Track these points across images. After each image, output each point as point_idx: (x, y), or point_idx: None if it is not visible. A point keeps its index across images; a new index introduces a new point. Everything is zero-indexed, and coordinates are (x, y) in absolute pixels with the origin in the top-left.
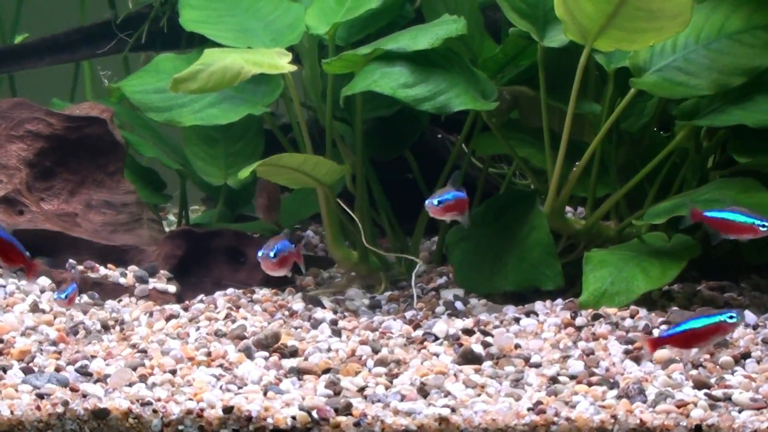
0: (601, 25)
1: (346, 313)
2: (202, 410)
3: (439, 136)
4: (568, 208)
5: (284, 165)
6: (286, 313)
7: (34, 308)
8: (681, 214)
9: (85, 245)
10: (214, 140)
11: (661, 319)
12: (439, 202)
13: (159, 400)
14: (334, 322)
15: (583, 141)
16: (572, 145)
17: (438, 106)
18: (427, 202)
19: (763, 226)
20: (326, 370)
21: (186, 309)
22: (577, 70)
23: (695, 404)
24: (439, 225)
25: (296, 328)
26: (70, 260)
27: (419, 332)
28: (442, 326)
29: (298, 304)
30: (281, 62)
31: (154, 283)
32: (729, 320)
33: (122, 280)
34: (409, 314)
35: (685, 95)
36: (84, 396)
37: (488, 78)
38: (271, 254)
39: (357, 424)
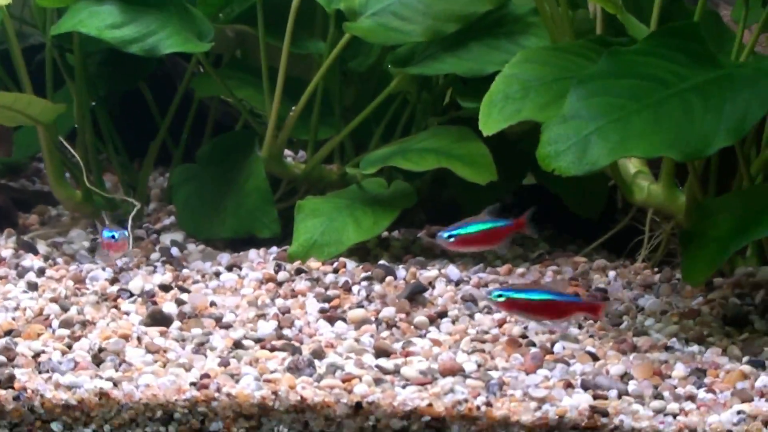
0: None
1: (59, 260)
2: None
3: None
4: (291, 153)
5: None
6: None
7: None
8: (394, 164)
9: None
10: None
11: (365, 274)
12: (450, 236)
13: None
14: (41, 271)
15: (307, 81)
16: (295, 86)
17: (147, 48)
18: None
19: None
20: (8, 332)
21: None
22: (291, 9)
23: (361, 379)
24: (173, 159)
25: None
26: None
27: (115, 288)
28: (138, 282)
29: (7, 250)
30: None
31: None
32: None
33: None
34: (121, 261)
35: (400, 41)
36: None
37: (206, 17)
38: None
39: (16, 398)
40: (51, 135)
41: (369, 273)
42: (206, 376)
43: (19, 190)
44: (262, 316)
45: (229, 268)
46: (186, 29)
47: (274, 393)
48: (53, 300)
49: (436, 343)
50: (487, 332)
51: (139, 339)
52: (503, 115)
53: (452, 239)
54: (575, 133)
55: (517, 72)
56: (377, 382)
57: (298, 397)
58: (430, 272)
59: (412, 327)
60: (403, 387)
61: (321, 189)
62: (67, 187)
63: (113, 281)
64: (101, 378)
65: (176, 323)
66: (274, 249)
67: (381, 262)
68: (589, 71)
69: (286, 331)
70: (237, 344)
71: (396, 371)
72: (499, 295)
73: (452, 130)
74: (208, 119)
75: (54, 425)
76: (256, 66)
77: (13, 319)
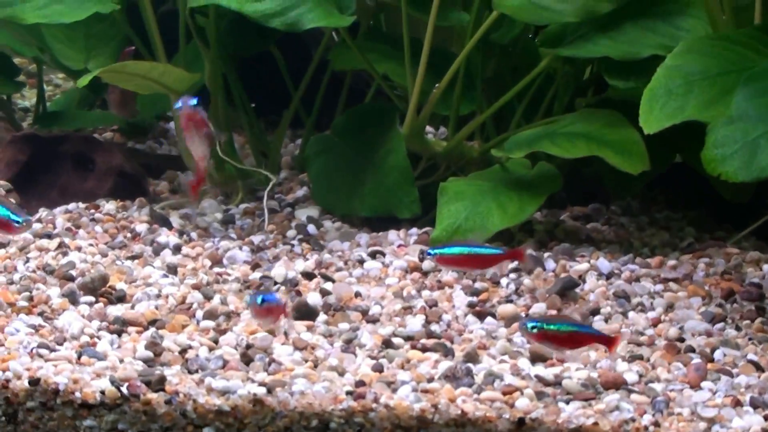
0: None
1: (193, 234)
2: (8, 381)
3: None
4: (431, 128)
5: (130, 72)
6: (129, 235)
7: None
8: (543, 149)
9: None
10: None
11: (512, 264)
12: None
13: None
14: (177, 248)
15: (447, 53)
16: (437, 59)
17: (289, 22)
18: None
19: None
20: (152, 322)
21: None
22: None
23: (522, 392)
24: (305, 126)
25: (134, 258)
26: None
27: (257, 275)
28: (281, 269)
29: (142, 225)
30: None
31: None
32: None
33: None
34: (257, 239)
35: (550, 21)
36: None
37: None
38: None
39: (168, 402)
40: None
41: (516, 264)
42: (362, 383)
43: (147, 154)
44: (409, 309)
45: (373, 255)
46: (327, 1)
47: (434, 405)
48: (195, 287)
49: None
50: (642, 333)
51: (285, 334)
52: (665, 113)
53: (434, 256)
54: (742, 136)
55: (679, 64)
56: (539, 395)
57: (459, 411)
58: (581, 265)
59: None
60: (567, 403)
61: (461, 167)
62: None
63: (254, 266)
64: (254, 382)
65: (322, 316)
66: (414, 230)
67: (528, 251)
68: (758, 69)
69: (434, 327)
70: (387, 342)
71: (557, 383)
72: (533, 327)
73: (602, 114)
74: (341, 87)
75: (206, 431)
76: (395, 36)
77: (156, 307)
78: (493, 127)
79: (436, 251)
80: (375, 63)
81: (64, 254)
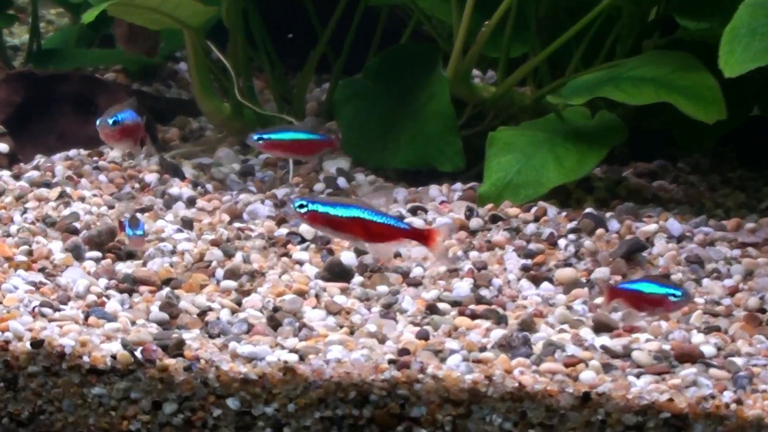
0: None
1: (208, 186)
2: (7, 342)
3: None
4: (475, 72)
5: (140, 5)
6: (137, 186)
7: None
8: (606, 94)
9: None
10: None
11: (571, 224)
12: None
13: None
14: (191, 201)
15: None
16: None
17: None
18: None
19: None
20: (167, 281)
21: (17, 177)
22: None
23: (587, 363)
24: (331, 69)
25: (144, 211)
26: None
27: (283, 231)
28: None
29: (151, 174)
30: None
31: None
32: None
33: None
34: (281, 192)
35: None
36: None
37: None
38: (110, 121)
39: (188, 369)
40: (199, 40)
41: (575, 223)
42: (405, 351)
43: (155, 97)
44: (455, 272)
45: (413, 212)
46: None
47: (488, 377)
48: (214, 243)
49: (662, 315)
50: (718, 303)
51: (317, 297)
52: (749, 54)
53: (261, 142)
54: None
55: (765, 0)
56: (606, 368)
57: (516, 384)
58: (649, 226)
59: None
60: (637, 377)
61: (511, 115)
62: (215, 99)
63: (280, 222)
64: (283, 348)
65: (357, 278)
66: (458, 186)
67: (588, 210)
68: None
69: (484, 292)
70: (431, 308)
71: (626, 354)
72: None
73: (672, 57)
74: (370, 26)
75: (230, 402)
76: None
77: (171, 265)
78: (547, 71)
79: (262, 135)
80: None
81: (66, 205)
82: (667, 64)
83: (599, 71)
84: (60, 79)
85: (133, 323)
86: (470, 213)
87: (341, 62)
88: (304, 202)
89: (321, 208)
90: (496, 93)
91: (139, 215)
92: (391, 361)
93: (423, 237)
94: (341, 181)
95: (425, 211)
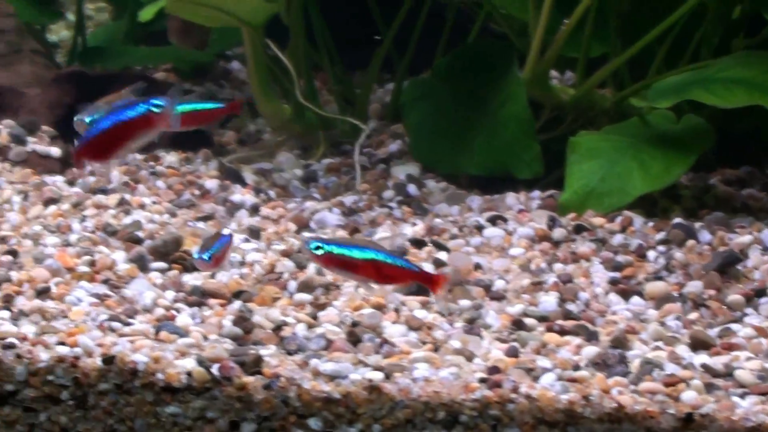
0: None
1: (271, 192)
2: (77, 358)
3: None
4: (552, 72)
5: (200, 2)
6: (197, 192)
7: None
8: (694, 97)
9: None
10: None
11: (659, 235)
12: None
13: (24, 339)
14: (255, 208)
15: None
16: None
17: None
18: None
19: None
20: (237, 294)
21: (72, 183)
22: None
23: (687, 383)
24: (396, 70)
25: (206, 219)
26: None
27: None
28: (385, 235)
29: (211, 181)
30: None
31: (33, 145)
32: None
33: None
34: (349, 200)
35: None
36: None
37: None
38: (205, 257)
39: (267, 387)
40: (259, 38)
41: (664, 234)
42: (495, 369)
43: (208, 97)
44: (539, 284)
45: (492, 221)
46: None
47: (584, 397)
48: (285, 254)
49: (760, 332)
50: None
51: (396, 311)
52: None
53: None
54: None
55: None
56: (708, 388)
57: (614, 404)
58: (743, 237)
59: (725, 308)
60: (741, 397)
61: (590, 118)
62: (275, 101)
63: (352, 231)
64: (367, 366)
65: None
66: (536, 193)
67: (677, 220)
68: None
69: (570, 306)
70: (517, 323)
71: (728, 373)
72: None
73: (764, 57)
74: (435, 24)
75: (312, 422)
76: None
77: (241, 277)
78: (628, 72)
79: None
80: None
81: (126, 213)
82: (758, 65)
83: (685, 72)
84: (112, 78)
85: (206, 338)
86: (553, 223)
87: (406, 62)
88: (320, 244)
89: (336, 250)
90: (575, 95)
91: (224, 239)
92: (482, 380)
93: (431, 281)
94: (411, 188)
95: (504, 220)
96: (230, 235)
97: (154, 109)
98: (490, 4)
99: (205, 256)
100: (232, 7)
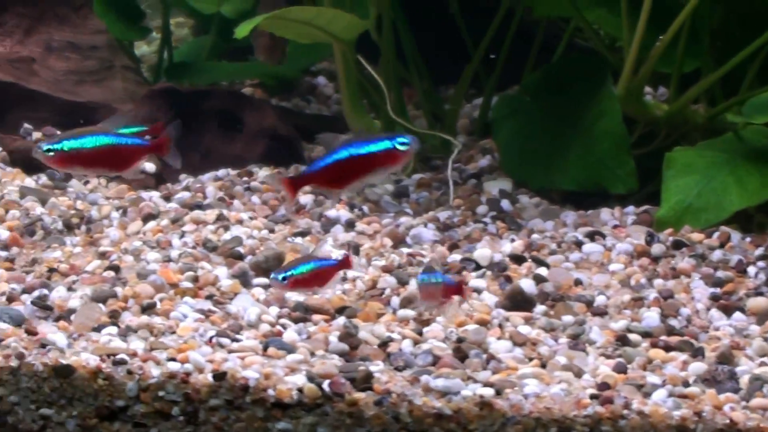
0: None
1: (364, 207)
2: (188, 374)
3: None
4: (646, 88)
5: (294, 18)
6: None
7: None
8: None
9: (43, 100)
10: None
11: (758, 250)
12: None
13: (134, 355)
14: (350, 224)
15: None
16: (657, 6)
17: None
18: None
19: None
20: (340, 310)
21: (168, 198)
22: None
23: None
24: (484, 84)
25: (303, 234)
26: (26, 125)
27: (456, 257)
28: (485, 251)
29: (306, 196)
30: None
31: None
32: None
33: None
34: (443, 215)
35: None
36: (43, 346)
37: None
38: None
39: (378, 403)
40: (351, 54)
41: (763, 250)
42: (605, 386)
43: (296, 113)
44: (640, 300)
45: (591, 237)
46: None
47: (697, 413)
48: (386, 270)
49: None
50: None
51: (500, 327)
52: None
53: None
54: None
55: None
56: None
57: (727, 420)
58: None
59: None
60: None
61: (683, 134)
62: (366, 116)
63: (452, 247)
64: (476, 382)
65: (540, 307)
66: (631, 208)
67: None
68: None
69: (673, 322)
70: (621, 339)
71: None
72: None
73: None
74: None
75: None
76: None
77: (343, 293)
78: (720, 88)
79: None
80: (584, 10)
81: (225, 228)
82: None
83: None
84: (203, 94)
85: (313, 354)
86: (651, 238)
87: (495, 77)
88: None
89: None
90: (669, 110)
91: (315, 263)
92: (593, 396)
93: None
94: (505, 204)
95: (603, 236)
96: (330, 260)
97: (400, 147)
98: (583, 20)
99: (280, 277)
100: (326, 24)
